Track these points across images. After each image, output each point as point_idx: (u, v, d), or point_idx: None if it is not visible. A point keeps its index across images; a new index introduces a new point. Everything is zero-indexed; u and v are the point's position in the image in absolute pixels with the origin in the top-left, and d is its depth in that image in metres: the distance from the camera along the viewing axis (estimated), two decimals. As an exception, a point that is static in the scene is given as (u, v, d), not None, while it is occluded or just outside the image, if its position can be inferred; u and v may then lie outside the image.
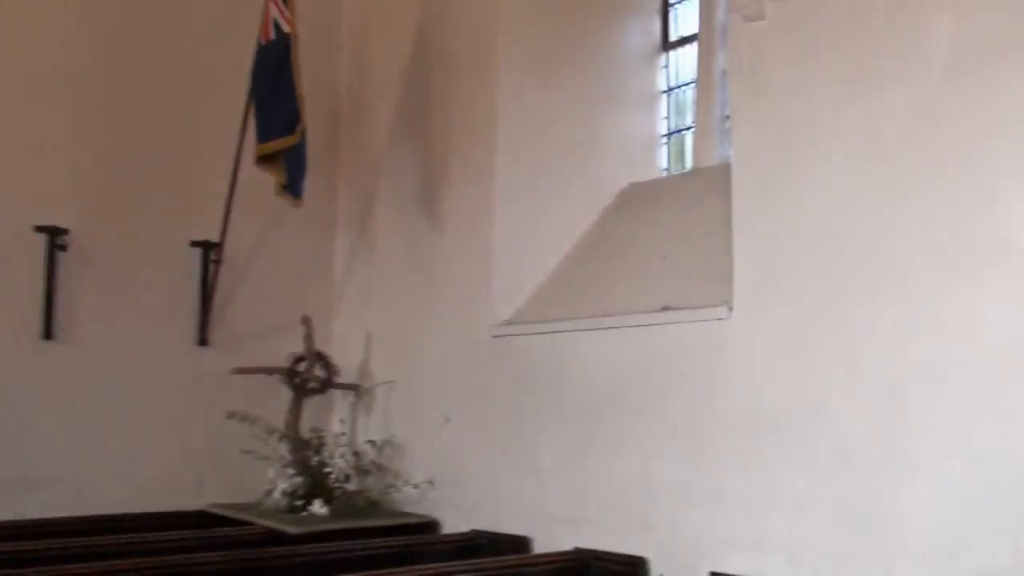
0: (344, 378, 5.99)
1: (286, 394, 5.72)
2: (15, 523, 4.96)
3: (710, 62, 5.25)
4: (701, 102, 5.28)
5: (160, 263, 5.88)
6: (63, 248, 5.51)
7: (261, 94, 5.39)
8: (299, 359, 5.77)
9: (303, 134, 5.22)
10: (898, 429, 3.39)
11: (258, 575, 4.31)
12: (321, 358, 5.84)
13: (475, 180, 5.43)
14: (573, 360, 4.75)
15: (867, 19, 3.61)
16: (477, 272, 5.35)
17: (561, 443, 4.74)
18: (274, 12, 5.34)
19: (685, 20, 5.71)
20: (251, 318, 6.13)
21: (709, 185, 4.79)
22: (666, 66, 5.75)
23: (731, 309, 4.00)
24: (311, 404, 5.85)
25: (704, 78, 5.28)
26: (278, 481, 5.45)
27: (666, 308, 4.36)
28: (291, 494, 5.37)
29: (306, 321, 5.72)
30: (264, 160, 5.33)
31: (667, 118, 5.71)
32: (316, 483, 5.41)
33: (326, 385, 5.87)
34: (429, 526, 5.35)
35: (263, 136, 5.33)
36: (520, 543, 4.80)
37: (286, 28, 5.28)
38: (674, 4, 5.78)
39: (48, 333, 5.46)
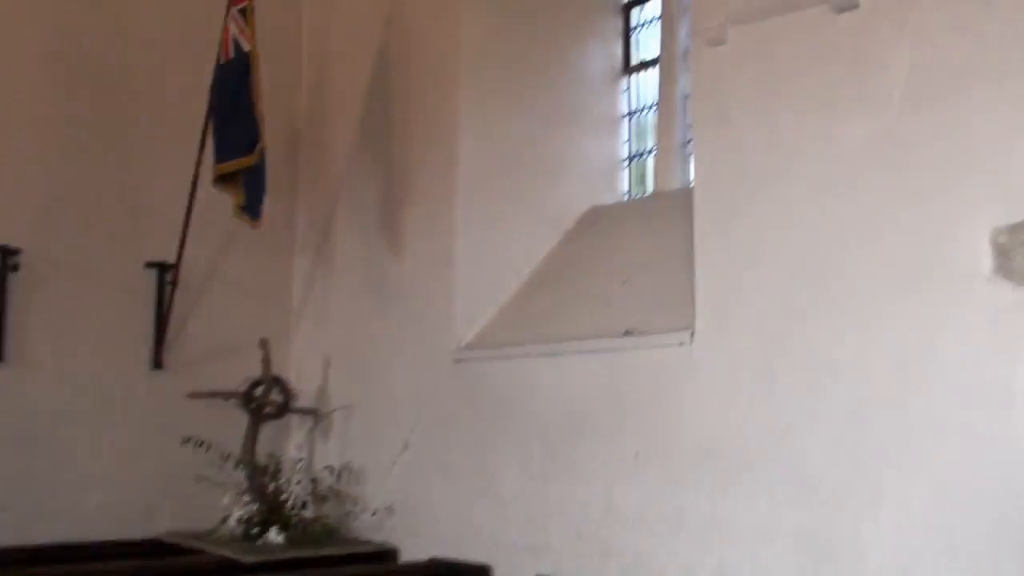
0: (302, 403, 5.91)
1: (242, 419, 5.61)
2: (-42, 554, 4.82)
3: (671, 86, 5.27)
4: (662, 126, 5.29)
5: (114, 284, 5.75)
6: (15, 269, 5.39)
7: (220, 113, 5.32)
8: (256, 383, 5.67)
9: (262, 154, 5.15)
10: (859, 455, 3.38)
11: (211, 605, 4.23)
12: (278, 382, 5.75)
13: (436, 202, 5.39)
14: (534, 385, 4.71)
15: (829, 46, 3.63)
16: (438, 295, 5.30)
17: (522, 469, 4.69)
18: (234, 30, 5.27)
19: (646, 44, 5.72)
20: (207, 341, 6.01)
21: (671, 209, 4.78)
22: (627, 90, 5.75)
23: (693, 334, 3.98)
24: (268, 429, 5.74)
25: (665, 102, 5.29)
26: (233, 508, 5.34)
27: (628, 333, 4.34)
28: (246, 521, 5.26)
29: (264, 344, 5.63)
30: (222, 180, 5.25)
31: (628, 142, 5.71)
32: (272, 510, 5.31)
33: (283, 410, 5.78)
34: (387, 554, 5.27)
35: (222, 156, 5.25)
36: (480, 571, 4.73)
37: (246, 46, 5.21)
38: (636, 28, 5.80)
39: (-2, 355, 5.34)
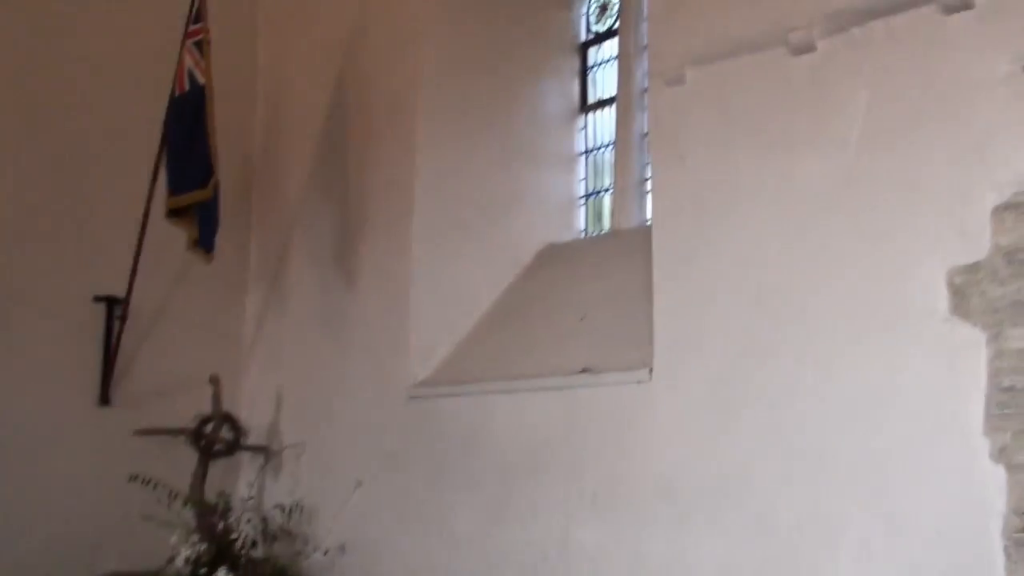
0: (253, 440, 5.83)
1: (191, 456, 5.51)
2: None
3: (629, 124, 5.29)
4: (620, 164, 5.31)
5: (61, 318, 5.64)
6: (-43, 300, 5.29)
7: (174, 146, 5.28)
8: (205, 420, 5.58)
9: (216, 188, 5.10)
10: (819, 494, 3.38)
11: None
12: (229, 419, 5.67)
13: (391, 238, 5.37)
14: (490, 423, 4.67)
15: (786, 86, 3.67)
16: (392, 331, 5.26)
17: (478, 508, 4.64)
18: (189, 63, 5.24)
19: (603, 83, 5.76)
20: (156, 377, 5.91)
21: (628, 247, 4.80)
22: (584, 128, 5.78)
23: (651, 372, 3.98)
24: (217, 467, 5.65)
25: (622, 140, 5.31)
26: (181, 547, 5.20)
27: (585, 370, 4.32)
28: (195, 561, 5.14)
29: (214, 380, 5.55)
30: (175, 214, 5.20)
31: (585, 179, 5.74)
32: (221, 550, 5.20)
33: (233, 447, 5.70)
34: (339, 594, 5.18)
35: (175, 189, 5.20)
36: (434, 612, 4.67)
37: (201, 79, 5.18)
38: (593, 67, 5.84)
39: (-62, 390, 5.21)
